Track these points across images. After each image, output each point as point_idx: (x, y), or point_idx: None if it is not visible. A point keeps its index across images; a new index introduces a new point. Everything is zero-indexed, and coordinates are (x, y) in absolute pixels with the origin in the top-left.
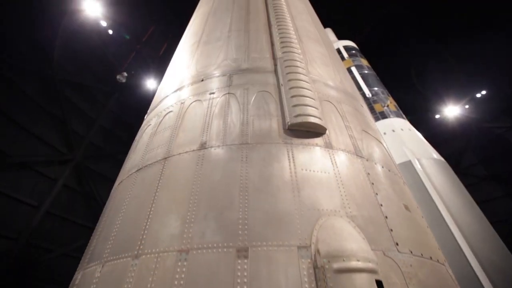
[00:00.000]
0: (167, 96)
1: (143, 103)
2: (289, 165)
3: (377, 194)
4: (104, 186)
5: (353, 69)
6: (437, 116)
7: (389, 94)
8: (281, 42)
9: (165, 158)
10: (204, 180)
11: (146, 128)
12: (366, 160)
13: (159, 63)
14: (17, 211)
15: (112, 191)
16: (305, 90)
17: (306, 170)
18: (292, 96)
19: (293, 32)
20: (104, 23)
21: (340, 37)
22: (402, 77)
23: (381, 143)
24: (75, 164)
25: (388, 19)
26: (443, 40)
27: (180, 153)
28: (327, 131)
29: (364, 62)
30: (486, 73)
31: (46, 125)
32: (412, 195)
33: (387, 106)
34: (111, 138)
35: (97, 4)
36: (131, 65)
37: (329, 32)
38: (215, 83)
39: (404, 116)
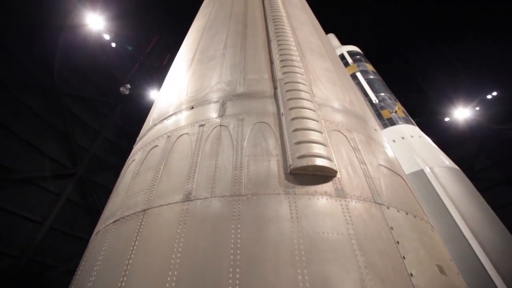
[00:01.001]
0: (154, 125)
1: (147, 113)
2: (292, 226)
3: (404, 258)
4: (107, 198)
5: (358, 74)
6: (446, 119)
7: (397, 100)
8: (282, 61)
9: (145, 210)
10: (187, 247)
11: (130, 164)
12: (387, 208)
13: (163, 73)
14: (21, 228)
15: (90, 241)
16: (310, 121)
17: (313, 231)
18: (295, 130)
19: (295, 48)
20: (107, 37)
21: (343, 42)
22: (408, 80)
23: (401, 177)
24: (78, 178)
25: (392, 22)
26: (450, 41)
27: (161, 205)
28: (338, 173)
29: (369, 67)
30: (496, 73)
31: (50, 139)
32: (443, 246)
33: (395, 112)
34: (115, 150)
35: (100, 18)
36: (134, 76)
37: (332, 37)
38: (206, 112)
39: (413, 122)
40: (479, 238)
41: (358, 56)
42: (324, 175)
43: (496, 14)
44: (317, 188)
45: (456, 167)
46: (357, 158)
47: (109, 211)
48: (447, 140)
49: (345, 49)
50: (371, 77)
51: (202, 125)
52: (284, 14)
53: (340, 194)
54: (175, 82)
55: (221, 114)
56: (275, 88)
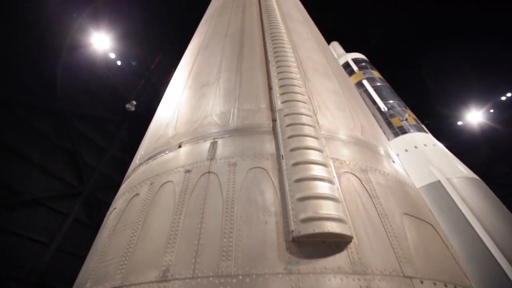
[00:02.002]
0: (141, 164)
1: None
2: None
3: None
4: None
5: (365, 82)
6: (459, 123)
7: (406, 107)
8: (281, 86)
9: None
10: None
11: (111, 214)
12: (420, 283)
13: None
14: (27, 250)
15: None
16: (316, 167)
17: None
18: (298, 180)
19: (296, 70)
20: (112, 55)
21: (347, 48)
22: (416, 84)
23: (431, 225)
24: (85, 197)
25: (396, 24)
26: (459, 42)
27: (132, 285)
28: (354, 238)
29: (376, 74)
30: (510, 74)
31: (58, 159)
32: None
33: (406, 119)
34: (122, 167)
35: (106, 38)
36: (140, 92)
37: (336, 45)
38: (194, 153)
39: (425, 129)
40: (507, 254)
41: (363, 63)
42: (336, 241)
43: (508, 14)
44: (327, 262)
45: (476, 176)
46: (377, 209)
47: (81, 277)
48: (461, 145)
49: (350, 56)
50: (378, 84)
51: (189, 171)
52: (283, 31)
53: (358, 269)
54: (165, 111)
55: (211, 157)
56: (274, 120)
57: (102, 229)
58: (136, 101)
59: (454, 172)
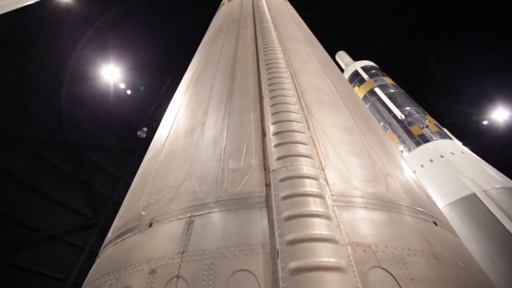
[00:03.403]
0: (110, 242)
1: None
2: None
3: None
4: None
5: (377, 90)
6: (484, 122)
7: (426, 112)
8: (276, 134)
9: None
10: None
11: None
12: None
13: None
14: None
15: None
16: (330, 277)
17: None
18: None
19: (296, 108)
20: (122, 85)
21: (354, 56)
22: (429, 85)
23: None
24: (101, 228)
25: (401, 26)
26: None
27: None
28: None
29: (388, 80)
30: None
31: (73, 192)
32: None
33: (427, 126)
34: None
35: (115, 69)
36: (152, 117)
37: (343, 54)
38: (163, 241)
39: (450, 135)
40: None
41: (373, 71)
42: None
43: None
44: None
45: None
46: None
47: None
48: (487, 147)
49: (359, 65)
50: (392, 91)
51: (153, 272)
52: (280, 56)
53: None
54: (147, 166)
55: (183, 249)
56: (267, 185)
57: None
58: (147, 128)
59: (490, 183)
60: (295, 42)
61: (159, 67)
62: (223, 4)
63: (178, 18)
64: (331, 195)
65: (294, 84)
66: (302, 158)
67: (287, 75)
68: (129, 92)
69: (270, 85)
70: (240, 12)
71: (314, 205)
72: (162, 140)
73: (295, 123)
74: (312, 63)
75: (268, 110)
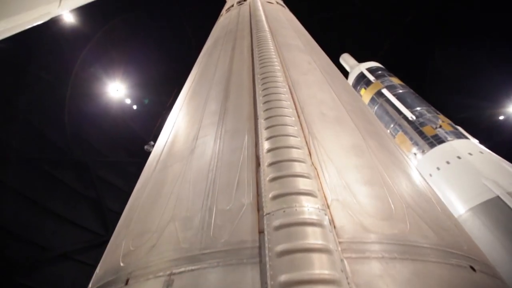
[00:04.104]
0: None
1: None
2: None
3: None
4: None
5: (385, 91)
6: (500, 118)
7: (438, 112)
8: (271, 164)
9: None
10: None
11: None
12: None
13: None
14: None
15: None
16: None
17: None
18: None
19: (294, 129)
20: (128, 101)
21: (359, 58)
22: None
23: None
24: None
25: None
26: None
27: None
28: None
29: (395, 80)
30: None
31: (83, 210)
32: None
33: (440, 126)
34: None
35: (121, 86)
36: (158, 130)
37: (347, 57)
38: None
39: (466, 135)
40: None
41: (380, 72)
42: None
43: None
44: None
45: None
46: None
47: None
48: (504, 144)
49: (364, 66)
50: (400, 91)
51: None
52: (277, 67)
53: None
54: (131, 203)
55: None
56: (261, 232)
57: None
58: (153, 141)
59: None
60: (294, 51)
61: (164, 81)
62: (221, 15)
63: (180, 29)
64: (339, 242)
65: (293, 99)
66: (303, 197)
67: (285, 89)
68: (135, 107)
69: (265, 102)
70: (237, 23)
71: (319, 265)
72: (152, 166)
73: (294, 149)
74: (313, 73)
75: (262, 133)
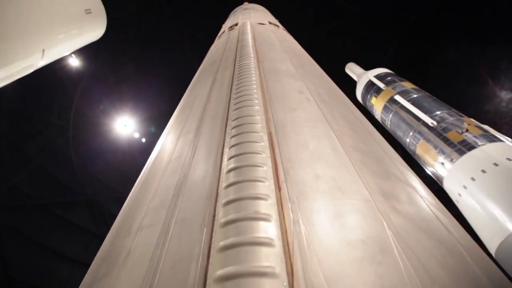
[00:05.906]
0: None
1: None
2: None
3: None
4: None
5: (398, 97)
6: None
7: (461, 114)
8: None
9: None
10: None
11: None
12: None
13: None
14: None
15: None
16: None
17: None
18: None
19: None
20: (136, 134)
21: (365, 66)
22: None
23: None
24: None
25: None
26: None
27: None
28: None
29: (408, 85)
30: None
31: (96, 250)
32: None
33: (467, 130)
34: None
35: (130, 121)
36: None
37: (353, 66)
38: None
39: (500, 137)
40: None
41: (389, 78)
42: None
43: None
44: None
45: None
46: None
47: None
48: None
49: (372, 74)
50: (415, 96)
51: None
52: (256, 109)
53: None
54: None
55: None
56: None
57: None
58: None
59: None
60: (283, 77)
61: (170, 112)
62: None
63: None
64: None
65: (275, 159)
66: None
67: (262, 144)
68: (144, 140)
69: (227, 187)
70: (224, 51)
71: None
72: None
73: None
74: (305, 107)
75: (220, 211)
